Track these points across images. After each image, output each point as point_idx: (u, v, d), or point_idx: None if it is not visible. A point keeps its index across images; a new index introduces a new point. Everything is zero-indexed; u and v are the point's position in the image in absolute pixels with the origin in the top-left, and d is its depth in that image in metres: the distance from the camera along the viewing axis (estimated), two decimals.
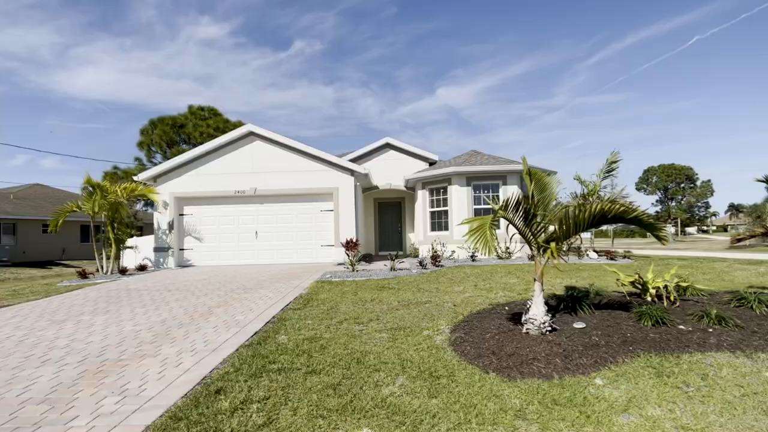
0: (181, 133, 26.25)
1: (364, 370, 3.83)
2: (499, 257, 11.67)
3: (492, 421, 3.00)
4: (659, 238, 3.90)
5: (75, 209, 12.34)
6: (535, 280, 4.56)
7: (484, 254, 3.98)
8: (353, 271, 9.79)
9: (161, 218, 12.99)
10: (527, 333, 4.43)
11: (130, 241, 14.12)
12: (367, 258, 14.27)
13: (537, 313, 4.43)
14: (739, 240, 5.48)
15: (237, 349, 4.37)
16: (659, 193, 70.48)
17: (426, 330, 4.93)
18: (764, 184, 5.43)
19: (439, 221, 13.83)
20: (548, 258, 4.41)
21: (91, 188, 12.12)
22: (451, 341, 4.51)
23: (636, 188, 71.52)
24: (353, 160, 15.44)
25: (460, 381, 3.60)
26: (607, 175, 11.80)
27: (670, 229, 54.89)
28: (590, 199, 11.50)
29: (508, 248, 11.55)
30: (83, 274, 11.00)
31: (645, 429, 2.92)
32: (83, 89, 61.15)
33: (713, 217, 75.00)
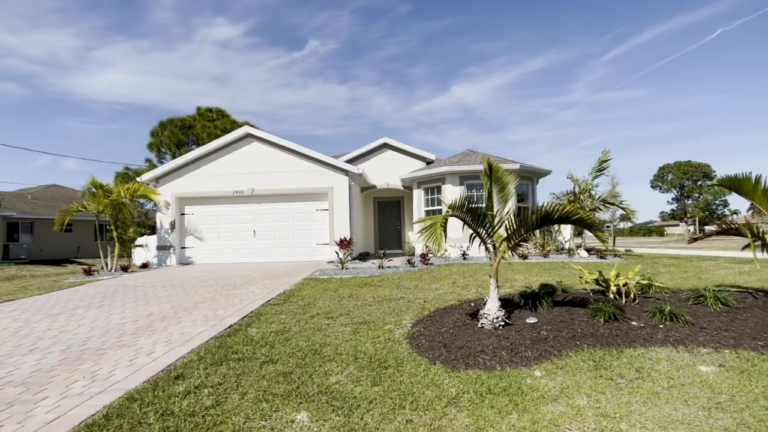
0: (189, 134, 26.93)
1: (318, 360, 4.08)
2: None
3: (425, 408, 3.21)
4: (600, 239, 4.06)
5: (80, 209, 12.92)
6: (490, 276, 4.74)
7: (436, 251, 4.17)
8: (343, 268, 10.06)
9: (163, 218, 13.47)
10: (482, 327, 4.62)
11: (140, 240, 14.69)
12: (363, 256, 14.53)
13: (491, 309, 4.61)
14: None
15: (207, 341, 4.67)
16: (675, 191, 69.09)
17: (388, 324, 5.15)
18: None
19: None
20: (502, 256, 4.60)
21: (94, 189, 12.67)
22: (409, 335, 4.72)
23: (651, 186, 70.24)
24: (351, 160, 15.72)
25: (405, 371, 3.82)
26: (598, 173, 11.81)
27: (683, 227, 53.77)
28: (581, 197, 11.54)
29: None
30: (88, 272, 11.54)
31: (567, 417, 3.09)
32: (102, 91, 62.99)
33: (734, 216, 73.10)
